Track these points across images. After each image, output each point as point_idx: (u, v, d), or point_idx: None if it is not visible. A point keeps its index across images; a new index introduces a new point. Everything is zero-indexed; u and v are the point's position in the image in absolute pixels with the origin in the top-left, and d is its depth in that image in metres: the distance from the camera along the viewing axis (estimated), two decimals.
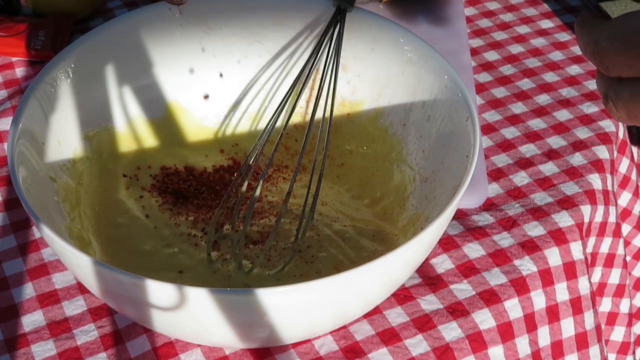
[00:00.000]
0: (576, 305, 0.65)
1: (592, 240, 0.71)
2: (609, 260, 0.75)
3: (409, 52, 0.65)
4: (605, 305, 0.77)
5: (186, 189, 0.66)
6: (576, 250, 0.66)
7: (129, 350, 0.57)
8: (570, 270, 0.65)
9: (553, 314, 0.64)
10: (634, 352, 0.79)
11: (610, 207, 0.72)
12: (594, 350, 0.66)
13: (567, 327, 0.65)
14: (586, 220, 0.68)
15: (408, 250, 0.49)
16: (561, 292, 0.64)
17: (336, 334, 0.58)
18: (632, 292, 0.86)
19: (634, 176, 0.81)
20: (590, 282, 0.67)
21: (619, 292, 0.77)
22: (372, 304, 0.56)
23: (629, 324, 0.78)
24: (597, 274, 0.75)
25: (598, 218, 0.71)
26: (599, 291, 0.76)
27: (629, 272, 0.85)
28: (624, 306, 0.77)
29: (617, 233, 0.74)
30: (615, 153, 0.77)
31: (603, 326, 0.77)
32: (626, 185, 0.80)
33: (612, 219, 0.73)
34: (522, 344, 0.61)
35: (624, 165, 0.79)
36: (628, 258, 0.85)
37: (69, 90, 0.62)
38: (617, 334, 0.78)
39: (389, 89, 0.67)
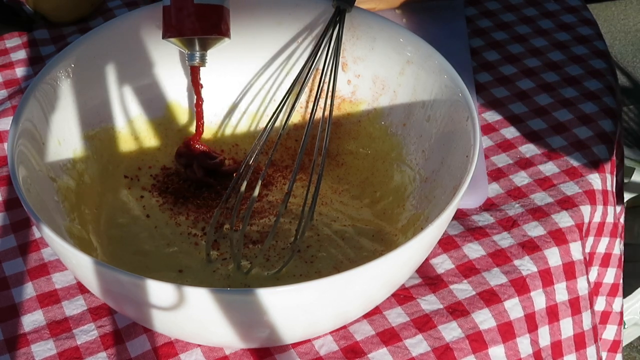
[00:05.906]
0: (575, 306, 0.65)
1: (590, 240, 0.71)
2: (605, 260, 0.75)
3: (409, 52, 0.65)
4: (600, 304, 0.77)
5: (186, 189, 0.66)
6: (576, 250, 0.66)
7: (129, 350, 0.57)
8: (569, 271, 0.65)
9: (553, 314, 0.64)
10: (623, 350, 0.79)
11: (608, 207, 0.72)
12: (590, 351, 0.66)
13: (566, 327, 0.65)
14: (586, 220, 0.68)
15: (408, 250, 0.49)
16: (560, 292, 0.64)
17: (336, 334, 0.58)
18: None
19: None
20: (588, 282, 0.67)
21: (613, 291, 0.77)
22: (372, 304, 0.56)
23: (620, 322, 0.78)
24: (593, 273, 0.75)
25: (597, 218, 0.71)
26: (594, 290, 0.76)
27: None
28: (617, 305, 0.77)
29: (614, 233, 0.74)
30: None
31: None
32: None
33: (610, 219, 0.73)
34: (524, 344, 0.61)
35: None
36: None
37: (69, 90, 0.62)
38: (609, 332, 0.78)
39: (389, 89, 0.67)
